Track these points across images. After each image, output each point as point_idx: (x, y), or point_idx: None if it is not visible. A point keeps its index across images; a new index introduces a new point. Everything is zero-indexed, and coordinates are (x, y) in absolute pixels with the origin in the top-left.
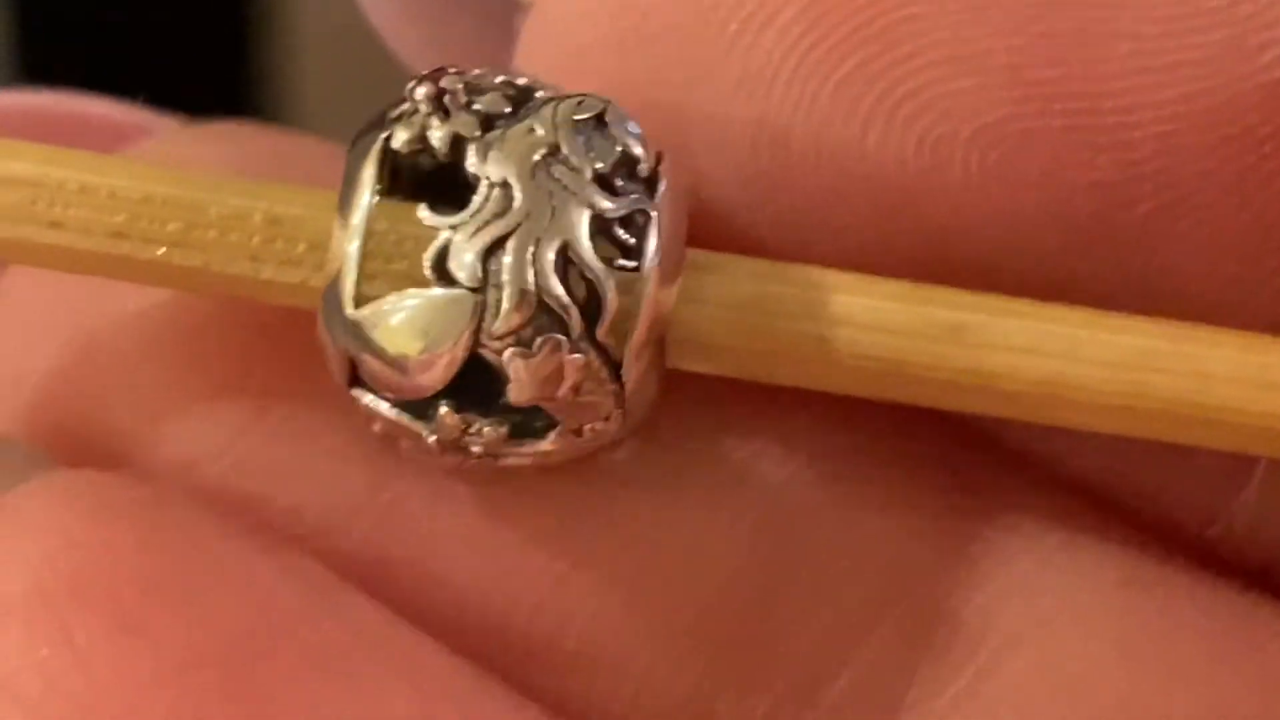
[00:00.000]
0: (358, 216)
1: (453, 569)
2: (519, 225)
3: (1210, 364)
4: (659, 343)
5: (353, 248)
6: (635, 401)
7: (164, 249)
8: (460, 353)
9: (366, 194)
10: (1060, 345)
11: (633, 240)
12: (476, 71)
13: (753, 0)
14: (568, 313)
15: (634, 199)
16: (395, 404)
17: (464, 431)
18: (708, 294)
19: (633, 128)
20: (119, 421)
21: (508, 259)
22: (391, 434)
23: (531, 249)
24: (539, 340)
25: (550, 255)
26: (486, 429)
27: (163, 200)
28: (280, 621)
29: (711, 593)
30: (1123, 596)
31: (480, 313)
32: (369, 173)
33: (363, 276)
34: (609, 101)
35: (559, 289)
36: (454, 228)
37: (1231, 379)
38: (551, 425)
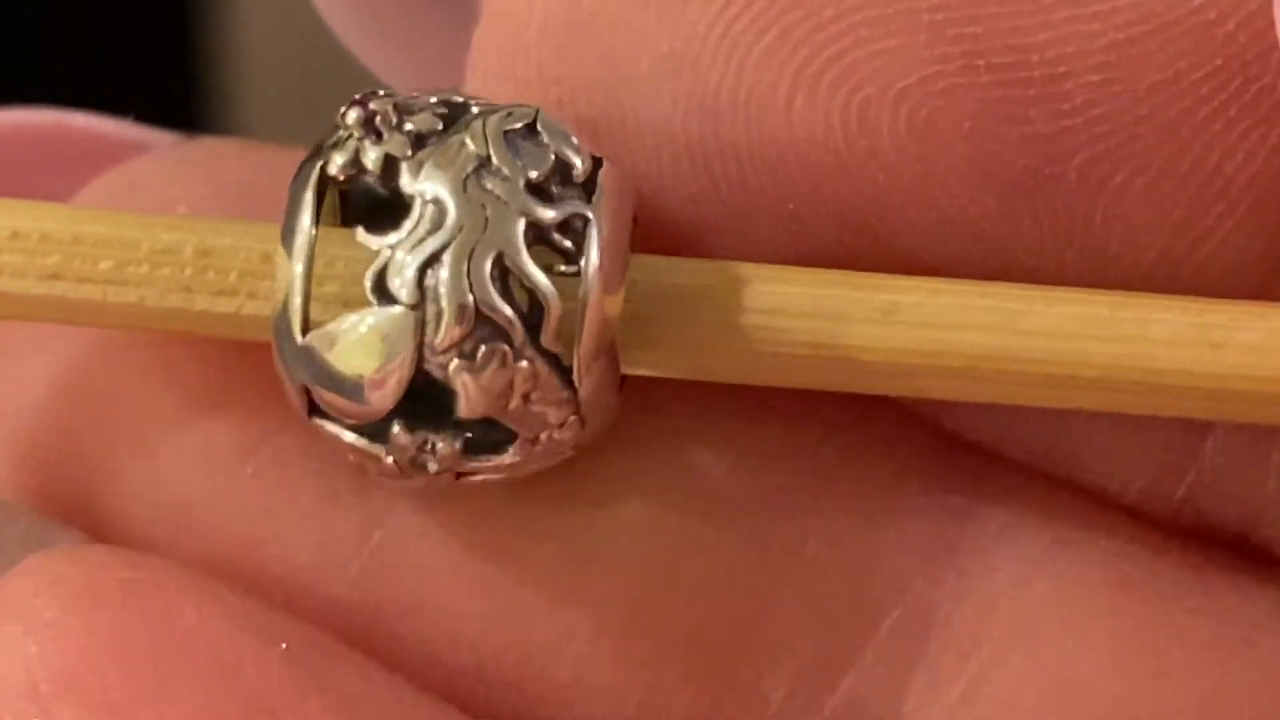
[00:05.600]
0: (301, 242)
1: (444, 607)
2: (453, 239)
3: (1151, 328)
4: (611, 350)
5: (298, 272)
6: (592, 408)
7: (98, 287)
8: (406, 370)
9: (308, 220)
10: (996, 319)
11: (572, 245)
12: (410, 93)
13: None
14: (509, 322)
15: (571, 204)
16: (352, 429)
17: (419, 449)
18: (650, 295)
19: (566, 134)
20: (111, 461)
21: (444, 273)
22: (362, 464)
23: (467, 262)
24: (482, 351)
25: (487, 266)
26: (440, 445)
27: (94, 240)
28: (263, 709)
29: (703, 612)
30: (1112, 597)
31: (421, 328)
32: (309, 198)
33: (310, 302)
34: (538, 110)
35: (497, 300)
36: (391, 247)
37: (1173, 341)
38: (509, 438)
